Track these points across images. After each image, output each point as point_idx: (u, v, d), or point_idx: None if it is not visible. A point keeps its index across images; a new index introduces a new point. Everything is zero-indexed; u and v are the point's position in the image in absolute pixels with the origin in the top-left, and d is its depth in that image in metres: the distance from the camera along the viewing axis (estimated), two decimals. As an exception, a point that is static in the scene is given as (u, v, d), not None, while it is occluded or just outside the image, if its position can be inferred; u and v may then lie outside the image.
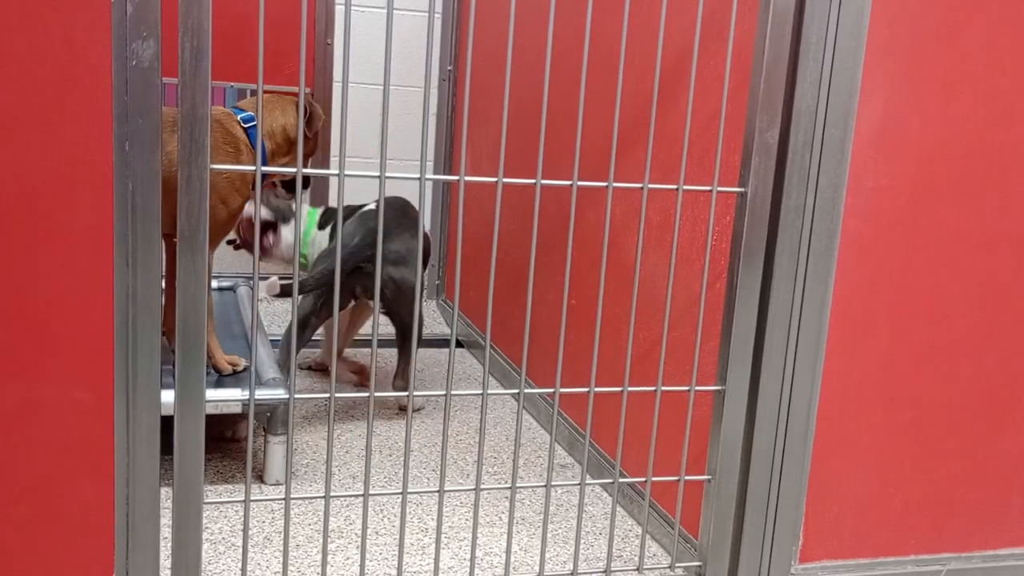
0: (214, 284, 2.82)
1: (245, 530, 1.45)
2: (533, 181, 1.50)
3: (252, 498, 1.45)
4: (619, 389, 1.63)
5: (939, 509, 1.80)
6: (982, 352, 1.75)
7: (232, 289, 2.87)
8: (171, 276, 2.38)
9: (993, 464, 1.81)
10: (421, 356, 3.11)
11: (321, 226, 2.68)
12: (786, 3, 1.51)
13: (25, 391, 1.33)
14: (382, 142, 1.38)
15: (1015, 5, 1.62)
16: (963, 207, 1.68)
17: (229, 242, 3.68)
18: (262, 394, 2.02)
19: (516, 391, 1.61)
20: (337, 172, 1.42)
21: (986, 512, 1.83)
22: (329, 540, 1.82)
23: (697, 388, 1.65)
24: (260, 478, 2.09)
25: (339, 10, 3.36)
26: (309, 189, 3.43)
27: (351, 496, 1.96)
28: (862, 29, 1.54)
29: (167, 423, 1.39)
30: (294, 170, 1.45)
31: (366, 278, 2.38)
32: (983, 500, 1.82)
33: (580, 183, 1.51)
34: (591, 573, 1.75)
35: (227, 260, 2.77)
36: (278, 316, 3.28)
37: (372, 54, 3.44)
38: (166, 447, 1.38)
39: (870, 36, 1.55)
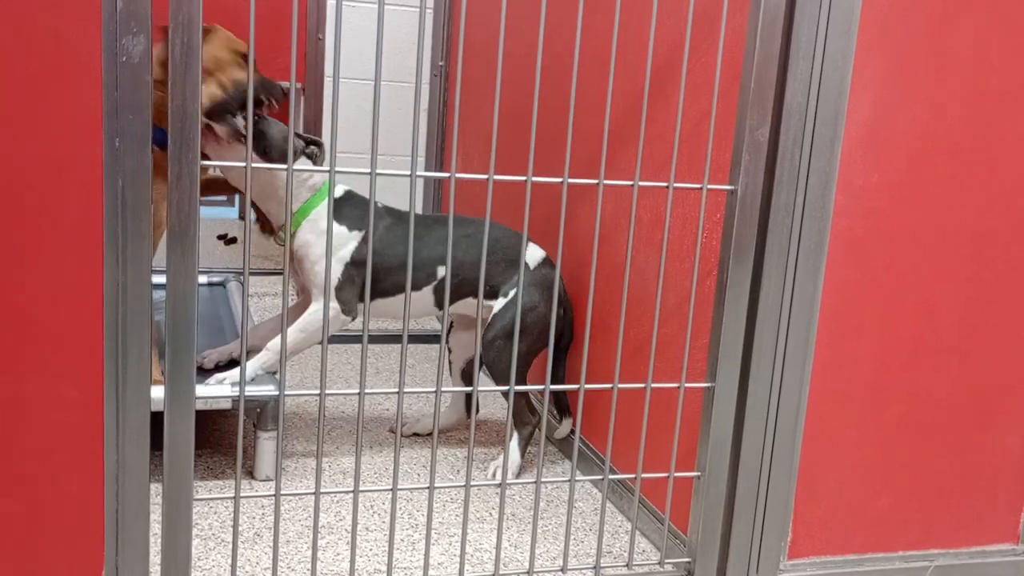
0: (203, 280, 2.80)
1: (235, 526, 1.45)
2: (524, 178, 1.50)
3: (242, 494, 1.45)
4: (609, 386, 1.63)
5: (927, 506, 1.81)
6: (970, 349, 1.76)
7: (222, 284, 2.86)
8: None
9: (980, 461, 1.82)
10: (411, 352, 3.12)
11: (338, 214, 2.09)
12: (777, 2, 1.51)
13: (14, 387, 1.32)
14: (373, 138, 1.38)
15: (1003, 5, 1.63)
16: (952, 205, 1.69)
17: (220, 237, 3.68)
18: (252, 390, 2.02)
19: (506, 388, 1.61)
20: (328, 169, 1.42)
21: (973, 509, 1.84)
22: (319, 536, 1.82)
23: (687, 385, 1.66)
24: (250, 474, 2.09)
25: (330, 5, 3.35)
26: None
27: (341, 492, 1.96)
28: (852, 28, 1.55)
29: (157, 419, 1.39)
30: (291, 168, 1.45)
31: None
32: (970, 497, 1.83)
33: (571, 180, 1.52)
34: (581, 569, 1.75)
35: (216, 255, 2.76)
36: (269, 311, 3.28)
37: (363, 49, 3.43)
38: (156, 443, 1.38)
39: (860, 35, 1.56)
